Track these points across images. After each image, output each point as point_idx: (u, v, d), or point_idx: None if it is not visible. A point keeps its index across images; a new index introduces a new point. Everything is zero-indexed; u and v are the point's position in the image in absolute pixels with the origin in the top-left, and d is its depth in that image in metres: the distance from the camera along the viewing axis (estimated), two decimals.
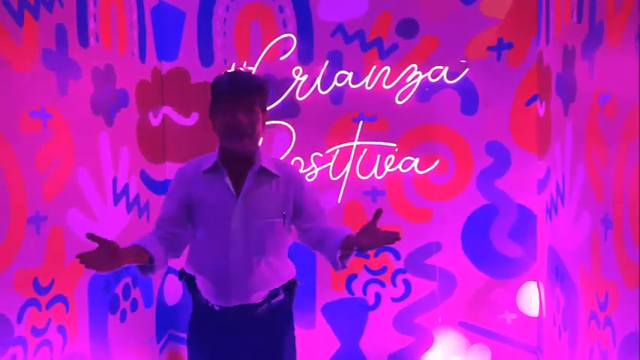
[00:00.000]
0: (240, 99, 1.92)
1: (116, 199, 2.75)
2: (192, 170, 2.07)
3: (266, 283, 2.04)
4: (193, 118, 3.28)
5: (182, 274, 2.14)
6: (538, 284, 3.07)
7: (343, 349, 3.29)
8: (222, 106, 1.95)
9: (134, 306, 2.94)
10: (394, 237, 1.74)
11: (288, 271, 2.12)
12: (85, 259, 1.71)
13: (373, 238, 1.79)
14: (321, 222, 2.10)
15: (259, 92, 1.98)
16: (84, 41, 2.46)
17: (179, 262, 2.19)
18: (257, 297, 2.03)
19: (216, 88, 2.00)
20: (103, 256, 1.75)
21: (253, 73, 2.05)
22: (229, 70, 2.08)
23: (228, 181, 2.00)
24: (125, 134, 2.86)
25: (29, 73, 2.09)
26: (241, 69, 2.09)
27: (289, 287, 2.13)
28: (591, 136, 2.03)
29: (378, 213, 1.83)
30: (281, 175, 2.06)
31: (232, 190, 1.99)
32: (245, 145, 1.96)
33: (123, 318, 2.82)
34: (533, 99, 3.04)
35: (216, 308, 2.04)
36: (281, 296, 2.10)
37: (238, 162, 2.01)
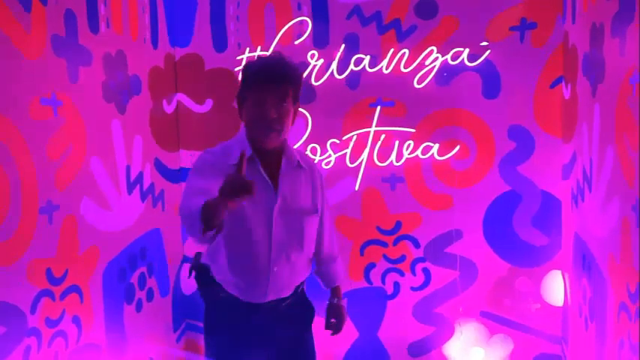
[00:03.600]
0: (272, 90, 1.78)
1: (130, 188, 2.72)
2: (220, 160, 1.87)
3: (297, 278, 2.00)
4: (207, 105, 3.23)
5: (192, 270, 2.06)
6: (563, 273, 2.97)
7: (362, 339, 3.24)
8: (252, 95, 1.80)
9: (150, 295, 2.91)
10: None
11: (311, 262, 2.11)
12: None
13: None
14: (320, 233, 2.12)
15: (293, 83, 1.83)
16: (94, 27, 2.41)
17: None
18: (288, 291, 1.99)
19: (247, 72, 1.84)
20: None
21: (288, 59, 1.87)
22: (263, 54, 1.94)
23: (264, 174, 1.87)
24: (138, 122, 2.81)
25: (39, 60, 2.04)
26: (277, 53, 1.92)
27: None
28: (622, 118, 1.92)
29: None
30: (307, 168, 1.99)
31: (270, 184, 1.87)
32: (272, 141, 1.85)
33: (139, 308, 2.80)
34: (558, 81, 2.92)
35: (243, 303, 1.96)
36: (303, 286, 2.08)
37: (267, 153, 1.89)
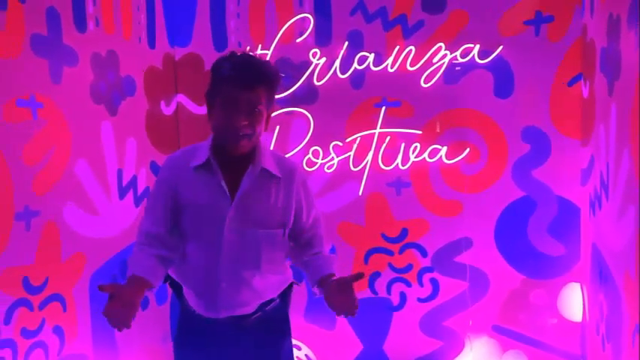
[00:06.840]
0: (242, 95, 1.65)
1: (122, 193, 2.63)
2: (179, 164, 1.81)
3: (259, 297, 1.86)
4: None
5: (167, 278, 1.96)
6: (582, 286, 2.77)
7: (366, 352, 3.12)
8: (221, 98, 1.68)
9: (145, 303, 2.82)
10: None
11: (284, 279, 1.93)
12: (109, 316, 1.69)
13: (341, 301, 1.76)
14: (310, 236, 1.92)
15: (266, 86, 1.70)
16: (81, 26, 2.33)
17: None
18: (248, 309, 1.85)
19: (216, 74, 1.72)
20: (120, 308, 1.70)
21: (263, 58, 1.78)
22: (234, 53, 1.79)
23: (222, 181, 1.75)
24: (132, 124, 2.73)
25: (15, 60, 1.95)
26: (250, 53, 1.80)
27: (284, 292, 1.94)
28: (637, 118, 1.73)
29: (359, 276, 1.73)
30: (282, 176, 1.81)
31: (227, 192, 1.75)
32: (241, 148, 1.72)
33: None
34: (577, 78, 2.75)
35: (204, 317, 1.86)
36: (276, 302, 1.92)
37: (236, 158, 1.76)
